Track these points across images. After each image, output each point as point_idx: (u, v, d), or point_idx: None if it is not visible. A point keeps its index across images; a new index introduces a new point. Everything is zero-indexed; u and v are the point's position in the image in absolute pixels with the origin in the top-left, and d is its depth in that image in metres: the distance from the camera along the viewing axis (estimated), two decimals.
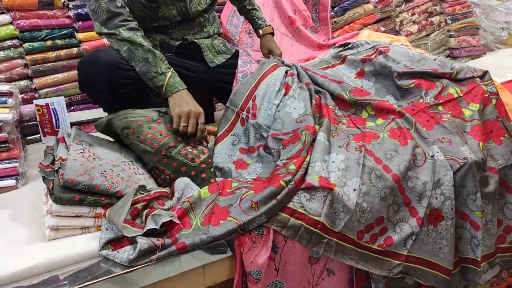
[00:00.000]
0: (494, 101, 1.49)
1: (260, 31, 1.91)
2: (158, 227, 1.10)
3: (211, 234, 1.12)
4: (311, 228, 1.17)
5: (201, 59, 1.73)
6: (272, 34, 1.93)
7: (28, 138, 1.92)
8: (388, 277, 1.26)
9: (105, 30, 1.43)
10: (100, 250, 1.10)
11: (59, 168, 1.18)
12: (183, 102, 1.39)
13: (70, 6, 1.92)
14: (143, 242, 1.06)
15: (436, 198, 1.28)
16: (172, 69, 1.43)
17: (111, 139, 1.43)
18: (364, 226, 1.23)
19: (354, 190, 1.23)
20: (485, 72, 1.56)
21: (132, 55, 1.41)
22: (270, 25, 1.94)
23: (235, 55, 1.81)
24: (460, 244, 1.34)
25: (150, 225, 1.11)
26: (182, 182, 1.27)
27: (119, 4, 1.43)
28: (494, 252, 1.37)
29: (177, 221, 1.14)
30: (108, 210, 1.14)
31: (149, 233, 1.11)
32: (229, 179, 1.32)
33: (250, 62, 1.83)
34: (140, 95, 1.52)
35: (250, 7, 1.92)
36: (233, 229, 1.13)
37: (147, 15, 1.58)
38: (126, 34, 1.41)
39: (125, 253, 1.07)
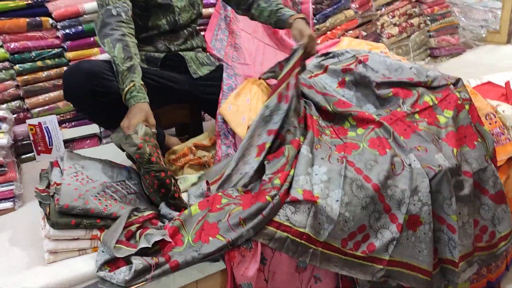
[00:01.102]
0: (467, 107, 1.57)
1: (290, 19, 1.78)
2: (151, 245, 1.16)
3: (202, 252, 1.18)
4: (297, 239, 1.24)
5: (185, 71, 1.79)
6: (303, 18, 1.79)
7: (22, 157, 1.96)
8: (373, 281, 1.34)
9: (99, 40, 1.51)
10: (98, 271, 1.15)
11: (54, 193, 1.24)
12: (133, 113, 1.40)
13: (58, 26, 1.96)
14: (138, 263, 1.12)
15: (414, 205, 1.35)
16: (135, 82, 1.41)
17: (103, 159, 1.49)
18: (348, 235, 1.30)
19: (337, 201, 1.30)
20: (458, 80, 1.63)
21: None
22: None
23: (219, 68, 1.86)
24: (439, 246, 1.42)
25: (143, 244, 1.16)
26: (163, 210, 1.34)
27: (114, 13, 1.48)
28: (472, 252, 1.45)
29: (169, 239, 1.20)
30: (103, 233, 1.20)
31: (143, 253, 1.17)
32: (220, 193, 1.37)
33: (235, 75, 1.89)
34: (123, 104, 1.56)
35: (277, 8, 1.81)
36: (223, 246, 1.19)
37: (138, 24, 1.63)
38: (107, 47, 1.46)
39: (121, 274, 1.13)
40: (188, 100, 1.89)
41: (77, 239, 1.21)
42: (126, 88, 1.41)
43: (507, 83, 1.88)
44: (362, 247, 1.32)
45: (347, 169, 1.36)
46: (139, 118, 1.36)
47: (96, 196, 1.26)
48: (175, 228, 1.24)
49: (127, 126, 1.35)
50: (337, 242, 1.29)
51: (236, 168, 1.45)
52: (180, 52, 1.79)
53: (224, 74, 1.85)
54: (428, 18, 2.90)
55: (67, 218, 1.19)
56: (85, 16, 2.00)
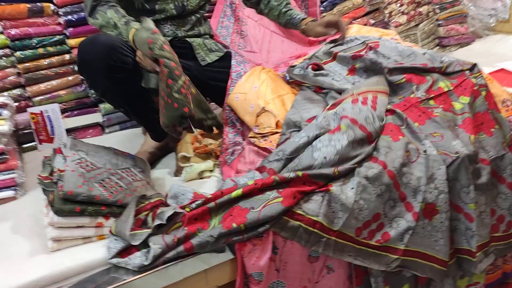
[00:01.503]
0: (483, 93, 1.52)
1: (301, 23, 1.85)
2: (165, 222, 1.13)
3: (216, 236, 1.13)
4: (310, 228, 1.20)
5: (193, 57, 1.74)
6: (313, 20, 1.86)
7: (24, 146, 1.92)
8: (386, 272, 1.29)
9: (91, 21, 1.49)
10: (110, 258, 1.11)
11: (58, 180, 1.20)
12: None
13: (60, 13, 1.91)
14: (157, 247, 1.09)
15: (430, 193, 1.30)
16: (135, 26, 1.40)
17: (107, 146, 1.44)
18: (362, 223, 1.26)
19: (352, 188, 1.25)
20: (474, 65, 1.58)
21: (110, 30, 1.44)
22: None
23: (228, 55, 1.82)
24: (455, 235, 1.38)
25: (157, 221, 1.14)
26: (173, 190, 1.29)
27: None
28: (489, 242, 1.41)
29: (179, 210, 1.16)
30: (113, 226, 1.17)
31: (162, 232, 1.14)
32: (273, 177, 1.25)
33: (244, 62, 1.84)
34: (137, 83, 1.52)
35: (286, 9, 1.86)
36: (238, 239, 1.16)
37: (145, 8, 1.60)
38: (100, 17, 1.45)
39: (137, 259, 1.09)
40: (196, 88, 1.85)
41: (82, 226, 1.18)
42: (131, 35, 1.38)
43: None
44: (377, 236, 1.28)
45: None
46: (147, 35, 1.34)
47: (101, 183, 1.21)
48: (206, 209, 1.18)
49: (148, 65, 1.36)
50: (351, 231, 1.24)
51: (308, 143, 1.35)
52: (187, 39, 1.74)
53: (233, 61, 1.80)
54: (437, 6, 2.83)
55: (71, 205, 1.15)
56: None
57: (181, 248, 1.12)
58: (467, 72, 1.56)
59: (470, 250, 1.35)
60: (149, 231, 1.13)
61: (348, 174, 1.27)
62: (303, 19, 1.86)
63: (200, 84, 1.78)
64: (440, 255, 1.32)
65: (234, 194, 1.20)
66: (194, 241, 1.14)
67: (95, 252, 1.16)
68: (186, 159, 1.62)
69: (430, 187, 1.31)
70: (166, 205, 1.26)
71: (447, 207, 1.31)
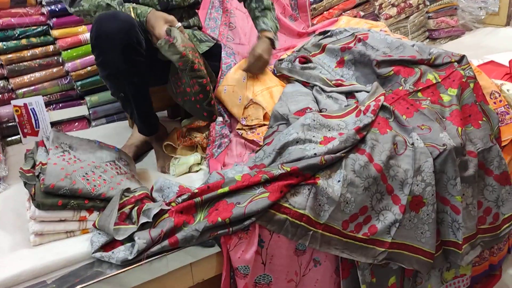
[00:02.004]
0: (471, 85, 1.52)
1: (259, 34, 1.78)
2: (151, 220, 1.12)
3: (201, 231, 1.12)
4: (296, 221, 1.19)
5: None
6: (269, 38, 1.75)
7: (8, 139, 1.88)
8: (373, 264, 1.29)
9: (73, 10, 1.47)
10: (93, 252, 1.09)
11: (39, 173, 1.17)
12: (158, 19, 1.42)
13: (43, 3, 1.87)
14: (142, 242, 1.07)
15: (417, 185, 1.30)
16: (131, 5, 1.46)
17: (91, 139, 1.42)
18: (349, 216, 1.25)
19: (339, 181, 1.24)
20: (463, 57, 1.57)
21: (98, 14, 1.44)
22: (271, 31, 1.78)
23: (218, 46, 1.79)
24: (442, 228, 1.38)
25: (143, 219, 1.12)
26: (158, 183, 1.27)
27: None
28: (475, 234, 1.41)
29: (165, 207, 1.15)
30: (97, 219, 1.14)
31: (149, 227, 1.12)
32: (261, 176, 1.22)
33: (234, 54, 1.82)
34: (143, 74, 1.50)
35: (258, 15, 1.79)
36: (223, 232, 1.14)
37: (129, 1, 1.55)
38: (87, 5, 1.44)
39: (120, 253, 1.07)
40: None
41: (64, 220, 1.15)
42: (133, 13, 1.42)
43: (511, 61, 1.83)
44: (364, 229, 1.27)
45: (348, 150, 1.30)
46: (161, 24, 1.38)
47: (84, 176, 1.19)
48: (192, 203, 1.17)
49: (157, 36, 1.38)
50: (338, 224, 1.23)
51: (298, 139, 1.34)
52: None
53: (223, 53, 1.78)
54: None
55: (53, 198, 1.12)
56: None
57: (165, 242, 1.11)
58: (455, 64, 1.56)
59: (456, 242, 1.35)
60: (134, 227, 1.11)
61: (335, 164, 1.25)
62: (261, 30, 1.77)
63: None
64: (427, 247, 1.31)
65: (220, 191, 1.19)
66: (179, 235, 1.12)
67: (78, 246, 1.14)
68: (173, 150, 1.60)
69: (417, 180, 1.30)
70: (151, 198, 1.24)
71: (434, 200, 1.31)
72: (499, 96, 1.57)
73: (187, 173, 1.54)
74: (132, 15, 1.42)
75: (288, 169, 1.21)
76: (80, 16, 1.52)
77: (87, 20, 1.53)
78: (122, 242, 1.12)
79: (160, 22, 1.39)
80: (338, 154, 1.25)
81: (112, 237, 1.11)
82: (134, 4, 1.47)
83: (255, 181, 1.20)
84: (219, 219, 1.13)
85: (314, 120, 1.37)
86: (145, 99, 1.56)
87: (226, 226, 1.14)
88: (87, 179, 1.18)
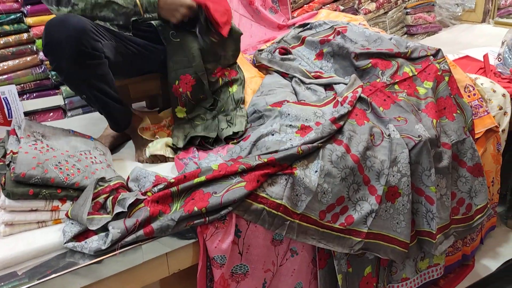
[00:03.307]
0: (446, 78, 1.54)
1: None
2: (126, 209, 1.10)
3: (177, 220, 1.10)
4: (273, 211, 1.19)
5: (159, 41, 1.68)
6: None
7: None
8: (350, 254, 1.30)
9: (64, 9, 1.42)
10: (65, 243, 1.07)
11: (10, 162, 1.14)
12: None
13: None
14: (116, 232, 1.05)
15: (393, 176, 1.31)
16: None
17: (66, 129, 1.39)
18: (326, 207, 1.25)
19: (316, 171, 1.24)
20: (438, 50, 1.60)
21: (96, 12, 1.42)
22: None
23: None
24: (417, 218, 1.40)
25: (118, 209, 1.10)
26: (135, 173, 1.26)
27: None
28: (449, 224, 1.44)
29: (141, 197, 1.13)
30: (70, 209, 1.11)
31: (124, 216, 1.10)
32: (238, 166, 1.22)
33: None
34: (103, 73, 1.47)
35: None
36: (199, 222, 1.13)
37: None
38: (82, 3, 1.40)
39: (93, 242, 1.05)
40: (163, 71, 1.79)
41: (36, 210, 1.12)
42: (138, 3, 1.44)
43: (485, 56, 1.87)
44: (341, 220, 1.28)
45: (326, 140, 1.30)
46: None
47: (57, 165, 1.16)
48: (168, 192, 1.15)
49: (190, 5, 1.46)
50: (315, 214, 1.24)
51: (272, 131, 1.34)
52: (152, 22, 1.68)
53: None
54: None
55: (24, 187, 1.09)
56: None
57: (140, 232, 1.09)
58: (431, 57, 1.58)
59: (430, 232, 1.38)
60: (108, 217, 1.09)
61: (312, 154, 1.26)
62: None
63: (166, 68, 1.73)
64: (402, 237, 1.33)
65: (196, 180, 1.18)
66: (155, 225, 1.11)
67: (50, 236, 1.11)
68: (148, 132, 1.57)
69: (393, 171, 1.32)
70: (127, 188, 1.22)
71: (409, 190, 1.33)
72: (473, 89, 1.61)
73: (162, 163, 1.52)
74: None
75: (265, 160, 1.20)
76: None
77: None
78: (96, 232, 1.10)
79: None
80: (315, 144, 1.25)
81: (85, 227, 1.09)
82: None
83: (232, 170, 1.19)
84: (195, 209, 1.12)
85: (289, 113, 1.36)
86: (110, 98, 1.51)
87: (203, 215, 1.13)
88: (60, 168, 1.16)
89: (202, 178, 1.18)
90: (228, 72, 1.67)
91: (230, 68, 1.68)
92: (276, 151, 1.25)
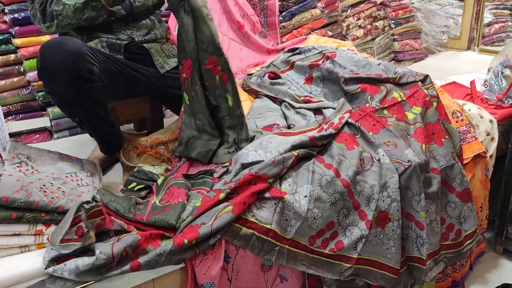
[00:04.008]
0: (435, 104, 1.56)
1: None
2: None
3: (167, 256, 1.07)
4: (263, 236, 1.17)
5: (152, 64, 1.69)
6: None
7: None
8: (340, 280, 1.28)
9: (52, 24, 1.43)
10: (46, 268, 1.03)
11: None
12: None
13: (6, 10, 1.82)
14: (101, 258, 1.01)
15: (383, 201, 1.31)
16: None
17: (52, 150, 1.36)
18: (316, 232, 1.24)
19: (305, 196, 1.23)
20: (426, 76, 1.62)
21: (79, 16, 1.43)
22: None
23: None
24: (407, 243, 1.39)
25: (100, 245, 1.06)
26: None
27: None
28: (439, 250, 1.43)
29: (125, 226, 1.10)
30: (51, 233, 1.08)
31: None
32: (223, 187, 1.23)
33: None
34: (97, 97, 1.46)
35: None
36: (190, 255, 1.11)
37: None
38: (64, 12, 1.41)
39: (72, 264, 1.02)
40: (153, 94, 1.79)
41: (19, 234, 1.09)
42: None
43: (472, 82, 1.90)
44: (330, 245, 1.26)
45: (315, 164, 1.30)
46: None
47: (41, 188, 1.13)
48: (160, 233, 1.13)
49: None
50: (305, 239, 1.22)
51: (256, 150, 1.32)
52: (144, 45, 1.69)
53: None
54: (392, 21, 2.93)
55: (7, 211, 1.06)
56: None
57: (127, 267, 1.06)
58: (419, 83, 1.60)
59: (420, 258, 1.36)
60: (78, 244, 1.05)
61: (300, 177, 1.25)
62: None
63: (158, 92, 1.73)
64: (392, 263, 1.32)
65: (183, 224, 1.16)
66: (142, 260, 1.07)
67: (33, 262, 1.07)
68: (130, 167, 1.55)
69: (383, 195, 1.31)
70: (111, 213, 1.19)
71: (399, 215, 1.32)
72: (461, 115, 1.62)
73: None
74: None
75: (242, 175, 1.19)
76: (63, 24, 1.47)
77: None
78: (77, 255, 1.06)
79: None
80: (289, 153, 1.25)
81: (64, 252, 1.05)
82: None
83: (214, 202, 1.17)
84: (186, 241, 1.09)
85: (271, 142, 1.35)
86: (102, 121, 1.51)
87: (193, 247, 1.11)
88: (45, 191, 1.13)
89: (188, 219, 1.16)
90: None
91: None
92: (250, 165, 1.24)
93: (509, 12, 3.82)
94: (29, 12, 1.48)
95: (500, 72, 1.84)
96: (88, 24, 1.50)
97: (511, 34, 3.50)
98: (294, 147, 1.28)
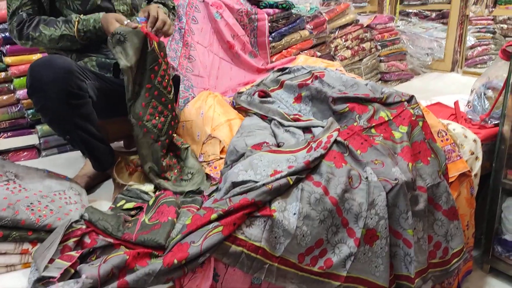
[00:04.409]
0: (420, 123, 1.59)
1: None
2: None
3: (155, 275, 1.06)
4: (252, 254, 1.17)
5: None
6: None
7: None
8: None
9: (29, 42, 1.49)
10: None
11: None
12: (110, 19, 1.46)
13: None
14: (87, 282, 1.00)
15: (371, 219, 1.32)
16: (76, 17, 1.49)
17: (40, 168, 1.36)
18: (305, 249, 1.24)
19: (294, 214, 1.24)
20: (412, 97, 1.65)
21: (53, 45, 1.49)
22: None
23: (177, 79, 1.79)
24: (395, 261, 1.39)
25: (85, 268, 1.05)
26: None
27: (24, 16, 1.48)
28: (426, 268, 1.43)
29: (109, 240, 1.09)
30: (34, 250, 1.07)
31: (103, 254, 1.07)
32: (214, 206, 1.23)
33: (192, 87, 1.83)
34: (88, 113, 1.47)
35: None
36: (179, 274, 1.10)
37: None
38: (40, 38, 1.47)
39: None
40: None
41: (5, 253, 1.07)
42: (76, 21, 1.47)
43: (456, 102, 1.94)
44: (320, 263, 1.26)
45: (304, 182, 1.31)
46: (113, 22, 1.43)
47: (28, 206, 1.13)
48: (148, 252, 1.12)
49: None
50: (294, 257, 1.22)
51: (246, 170, 1.33)
52: None
53: (181, 86, 1.78)
54: (379, 43, 2.99)
55: None
56: None
57: (114, 285, 1.04)
58: (405, 103, 1.63)
59: (409, 276, 1.37)
60: (66, 264, 1.04)
61: (290, 196, 1.26)
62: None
63: None
64: (381, 281, 1.32)
65: (172, 242, 1.16)
66: (130, 278, 1.06)
67: (19, 281, 1.06)
68: (128, 178, 1.55)
69: (371, 213, 1.32)
70: (98, 231, 1.18)
71: (387, 233, 1.33)
72: (446, 134, 1.66)
73: None
74: (75, 28, 1.45)
75: (238, 202, 1.20)
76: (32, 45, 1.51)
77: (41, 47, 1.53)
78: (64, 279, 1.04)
79: (112, 21, 1.44)
80: (285, 180, 1.26)
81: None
82: (82, 15, 1.50)
83: (205, 222, 1.17)
84: (175, 261, 1.08)
85: (261, 161, 1.37)
86: (94, 137, 1.51)
87: (182, 267, 1.10)
88: (32, 209, 1.12)
89: (178, 237, 1.16)
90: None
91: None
92: (247, 191, 1.25)
93: (491, 35, 3.95)
94: (6, 25, 1.54)
95: (482, 94, 1.89)
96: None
97: (493, 56, 3.62)
98: (290, 174, 1.29)
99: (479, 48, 3.76)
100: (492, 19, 3.98)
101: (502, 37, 4.01)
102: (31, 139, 1.94)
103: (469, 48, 3.63)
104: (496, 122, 1.80)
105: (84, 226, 1.15)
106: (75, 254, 1.08)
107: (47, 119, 1.41)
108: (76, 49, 1.57)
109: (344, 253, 1.28)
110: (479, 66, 3.70)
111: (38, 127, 1.94)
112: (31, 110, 1.91)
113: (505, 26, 4.10)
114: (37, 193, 1.20)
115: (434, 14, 4.23)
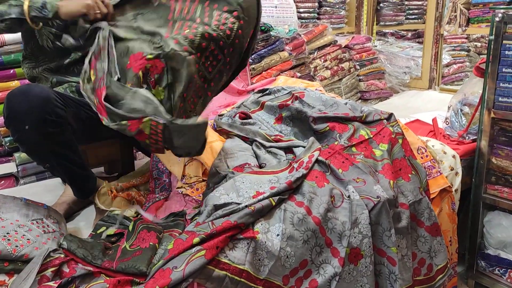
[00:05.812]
0: (400, 140, 1.61)
1: None
2: None
3: None
4: (236, 277, 1.15)
5: None
6: None
7: None
8: None
9: None
10: None
11: None
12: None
13: None
14: None
15: (355, 237, 1.32)
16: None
17: (17, 197, 1.33)
18: (289, 271, 1.23)
19: (278, 235, 1.23)
20: (391, 114, 1.68)
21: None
22: None
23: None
24: (380, 280, 1.39)
25: None
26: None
27: None
28: (412, 286, 1.43)
29: (89, 269, 1.06)
30: (11, 281, 1.03)
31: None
32: (196, 229, 1.22)
33: None
34: (68, 140, 1.44)
35: None
36: None
37: (60, 49, 1.53)
38: None
39: None
40: (123, 136, 1.78)
41: None
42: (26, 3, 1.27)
43: (434, 119, 1.98)
44: (305, 284, 1.25)
45: (286, 202, 1.31)
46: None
47: (5, 236, 1.10)
48: (129, 279, 1.10)
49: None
50: (278, 279, 1.21)
51: (228, 193, 1.33)
52: None
53: None
54: (357, 63, 3.05)
55: None
56: (5, 47, 1.87)
57: None
58: (384, 121, 1.66)
59: None
60: None
61: (272, 216, 1.25)
62: None
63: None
64: None
65: (154, 268, 1.13)
66: None
67: None
68: (109, 204, 1.52)
69: (355, 232, 1.32)
70: (78, 259, 1.15)
71: (371, 251, 1.33)
72: (425, 151, 1.68)
73: None
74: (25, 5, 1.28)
75: (220, 224, 1.19)
76: None
77: None
78: None
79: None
80: (267, 201, 1.25)
81: None
82: None
83: (187, 246, 1.16)
84: None
85: (243, 182, 1.37)
86: (74, 165, 1.49)
87: None
88: (9, 239, 1.09)
89: (160, 262, 1.14)
90: None
91: None
92: (229, 214, 1.24)
93: (466, 53, 4.07)
94: None
95: (459, 110, 1.93)
96: (56, 67, 1.49)
97: (468, 73, 3.72)
98: (272, 195, 1.28)
99: (455, 66, 3.87)
100: (466, 38, 4.11)
101: (477, 55, 4.14)
102: (9, 167, 1.90)
103: (445, 66, 3.73)
104: (473, 137, 1.84)
105: (62, 255, 1.12)
106: (53, 284, 1.05)
107: (24, 149, 1.39)
108: (55, 72, 1.54)
109: (329, 273, 1.27)
110: (455, 83, 3.80)
111: (16, 155, 1.91)
112: (9, 138, 1.88)
113: (478, 44, 4.24)
114: (14, 222, 1.17)
115: (410, 34, 4.35)
